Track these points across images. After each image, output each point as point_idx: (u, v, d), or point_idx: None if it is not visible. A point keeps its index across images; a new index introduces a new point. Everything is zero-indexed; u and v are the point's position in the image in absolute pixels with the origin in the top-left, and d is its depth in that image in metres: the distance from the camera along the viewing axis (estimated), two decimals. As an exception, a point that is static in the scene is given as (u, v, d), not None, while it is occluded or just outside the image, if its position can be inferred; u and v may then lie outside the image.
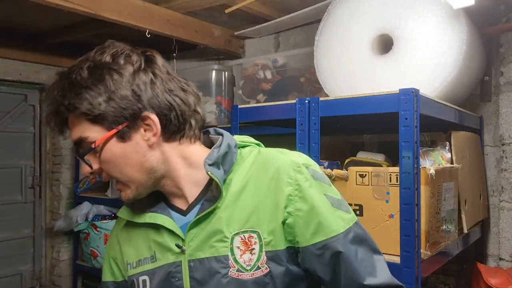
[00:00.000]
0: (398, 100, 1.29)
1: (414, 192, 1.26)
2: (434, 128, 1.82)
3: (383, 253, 0.90)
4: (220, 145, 0.89)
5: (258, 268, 0.84)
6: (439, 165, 1.49)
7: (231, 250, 0.84)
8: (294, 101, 1.52)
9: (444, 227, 1.46)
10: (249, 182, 0.87)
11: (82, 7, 1.93)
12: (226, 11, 2.24)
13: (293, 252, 0.86)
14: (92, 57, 0.84)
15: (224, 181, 0.87)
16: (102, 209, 3.05)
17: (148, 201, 0.93)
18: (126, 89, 0.82)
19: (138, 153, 0.85)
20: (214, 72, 2.69)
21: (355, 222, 0.87)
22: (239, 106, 1.67)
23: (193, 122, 0.89)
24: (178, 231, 0.88)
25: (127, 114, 0.82)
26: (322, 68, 1.77)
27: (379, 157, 1.67)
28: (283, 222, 0.84)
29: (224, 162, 0.88)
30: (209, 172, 0.84)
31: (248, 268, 0.84)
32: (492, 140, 2.04)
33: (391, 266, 0.93)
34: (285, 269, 0.85)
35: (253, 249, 0.84)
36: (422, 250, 1.30)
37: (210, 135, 0.96)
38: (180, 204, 0.91)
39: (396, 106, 1.29)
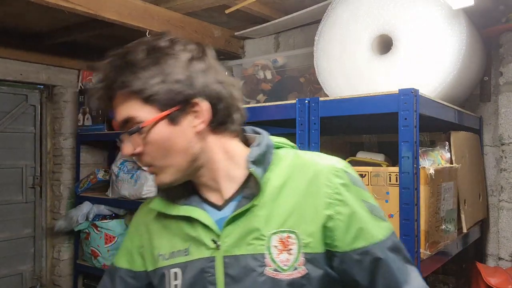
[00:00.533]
0: (398, 100, 1.29)
1: (414, 192, 1.26)
2: (434, 128, 1.82)
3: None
4: (259, 144, 0.89)
5: (295, 269, 0.83)
6: (438, 165, 1.49)
7: (268, 248, 0.84)
8: (294, 101, 1.52)
9: (443, 226, 1.47)
10: (287, 183, 0.87)
11: (82, 7, 1.93)
12: (226, 11, 2.24)
13: (330, 256, 0.85)
14: (149, 42, 0.85)
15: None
16: (103, 209, 3.04)
17: (181, 193, 0.92)
18: (180, 74, 0.82)
19: (185, 139, 0.84)
20: (214, 72, 2.68)
21: (393, 231, 0.88)
22: (239, 106, 1.67)
23: (236, 117, 0.90)
24: (214, 227, 0.87)
25: (180, 98, 0.82)
26: (322, 68, 1.77)
27: (379, 157, 1.68)
28: (323, 225, 0.84)
29: (263, 161, 0.88)
30: (251, 169, 0.84)
31: (286, 268, 0.83)
32: (491, 140, 2.05)
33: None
34: (324, 272, 0.84)
35: (291, 249, 0.83)
36: (421, 250, 1.30)
37: (245, 133, 0.96)
38: (214, 198, 0.91)
39: (395, 106, 1.30)
